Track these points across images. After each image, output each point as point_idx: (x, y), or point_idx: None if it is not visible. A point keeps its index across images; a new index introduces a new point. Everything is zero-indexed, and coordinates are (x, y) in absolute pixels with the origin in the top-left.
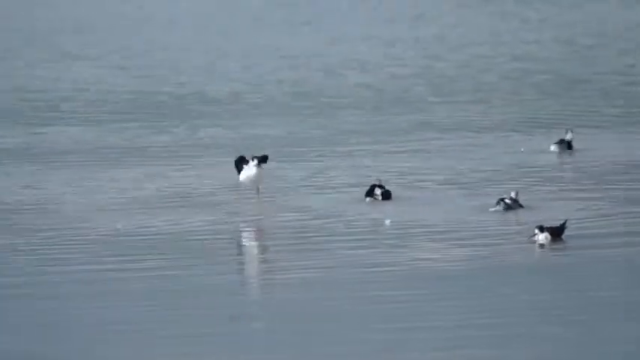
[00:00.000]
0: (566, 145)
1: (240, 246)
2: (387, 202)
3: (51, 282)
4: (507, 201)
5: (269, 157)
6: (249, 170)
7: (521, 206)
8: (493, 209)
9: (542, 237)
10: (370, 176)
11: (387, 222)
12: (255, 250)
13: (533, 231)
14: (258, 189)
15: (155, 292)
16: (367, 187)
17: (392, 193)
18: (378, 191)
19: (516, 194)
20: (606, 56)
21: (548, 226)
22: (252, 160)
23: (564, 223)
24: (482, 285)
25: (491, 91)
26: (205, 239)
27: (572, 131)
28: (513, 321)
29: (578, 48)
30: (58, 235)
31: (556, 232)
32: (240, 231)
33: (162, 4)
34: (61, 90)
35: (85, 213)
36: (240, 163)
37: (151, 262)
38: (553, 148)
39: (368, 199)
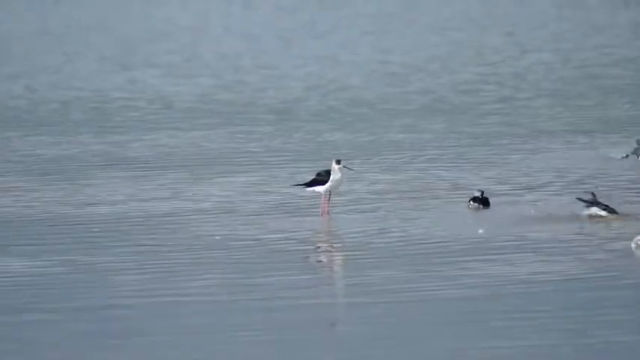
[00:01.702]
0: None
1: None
2: (485, 210)
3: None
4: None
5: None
6: (335, 174)
7: (615, 212)
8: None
9: None
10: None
11: (480, 231)
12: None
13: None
14: (330, 196)
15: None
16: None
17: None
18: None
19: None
20: None
21: None
22: (337, 162)
23: None
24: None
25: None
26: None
27: None
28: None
29: None
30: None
31: None
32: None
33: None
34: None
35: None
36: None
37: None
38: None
39: (471, 204)
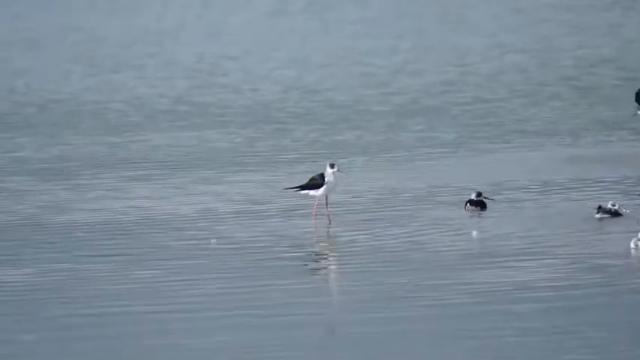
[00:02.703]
0: None
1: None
2: (482, 212)
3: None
4: (610, 207)
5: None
6: (329, 178)
7: (620, 214)
8: (598, 216)
9: None
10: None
11: (474, 234)
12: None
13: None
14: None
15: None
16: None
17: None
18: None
19: (613, 205)
20: None
21: None
22: (331, 167)
23: None
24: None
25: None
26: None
27: None
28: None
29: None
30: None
31: None
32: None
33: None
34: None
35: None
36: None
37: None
38: None
39: (468, 206)
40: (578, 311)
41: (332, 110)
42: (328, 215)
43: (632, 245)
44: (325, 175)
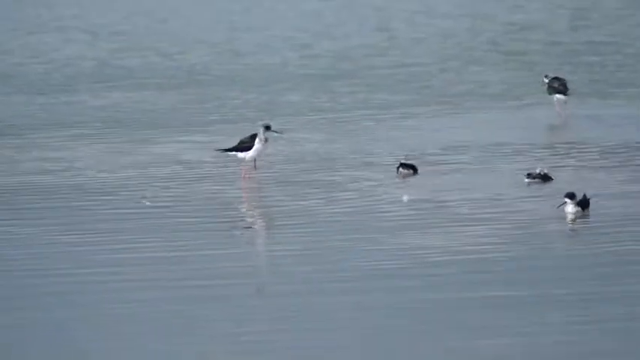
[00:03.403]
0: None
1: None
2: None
3: None
4: (537, 171)
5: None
6: (260, 140)
7: (550, 178)
8: (527, 180)
9: (571, 208)
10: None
11: (405, 198)
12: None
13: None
14: (255, 163)
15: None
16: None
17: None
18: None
19: (542, 169)
20: None
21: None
22: (266, 128)
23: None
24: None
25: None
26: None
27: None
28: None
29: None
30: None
31: (583, 205)
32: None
33: None
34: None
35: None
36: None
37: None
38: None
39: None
40: (511, 275)
41: (258, 73)
42: (249, 177)
43: (569, 210)
44: (258, 136)
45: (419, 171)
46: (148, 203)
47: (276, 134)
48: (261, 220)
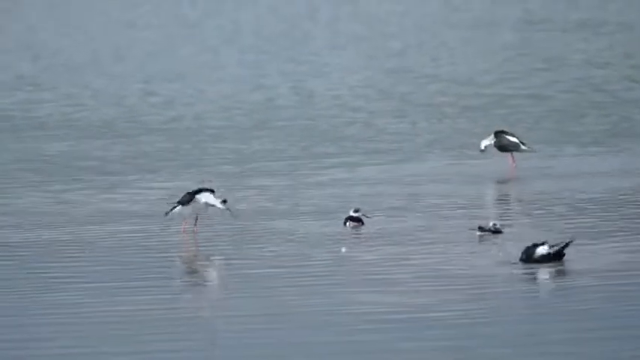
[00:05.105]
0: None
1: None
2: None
3: None
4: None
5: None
6: (198, 204)
7: (500, 232)
8: (479, 233)
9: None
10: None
11: (343, 250)
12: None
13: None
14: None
15: None
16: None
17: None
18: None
19: (494, 225)
20: None
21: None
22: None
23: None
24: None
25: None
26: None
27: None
28: None
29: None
30: None
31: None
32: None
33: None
34: None
35: None
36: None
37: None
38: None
39: (349, 223)
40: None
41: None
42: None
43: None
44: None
45: (365, 224)
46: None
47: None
48: (198, 273)
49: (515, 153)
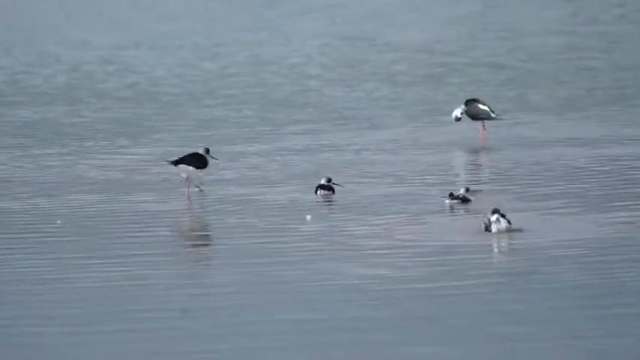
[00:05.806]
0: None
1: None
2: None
3: None
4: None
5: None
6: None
7: (469, 200)
8: (448, 201)
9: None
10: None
11: (308, 217)
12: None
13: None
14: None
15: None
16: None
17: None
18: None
19: (466, 190)
20: None
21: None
22: (205, 152)
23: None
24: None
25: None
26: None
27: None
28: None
29: None
30: None
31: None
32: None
33: None
34: None
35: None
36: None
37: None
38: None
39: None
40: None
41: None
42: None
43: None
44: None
45: (335, 192)
46: (59, 222)
47: (212, 158)
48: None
49: (485, 121)
